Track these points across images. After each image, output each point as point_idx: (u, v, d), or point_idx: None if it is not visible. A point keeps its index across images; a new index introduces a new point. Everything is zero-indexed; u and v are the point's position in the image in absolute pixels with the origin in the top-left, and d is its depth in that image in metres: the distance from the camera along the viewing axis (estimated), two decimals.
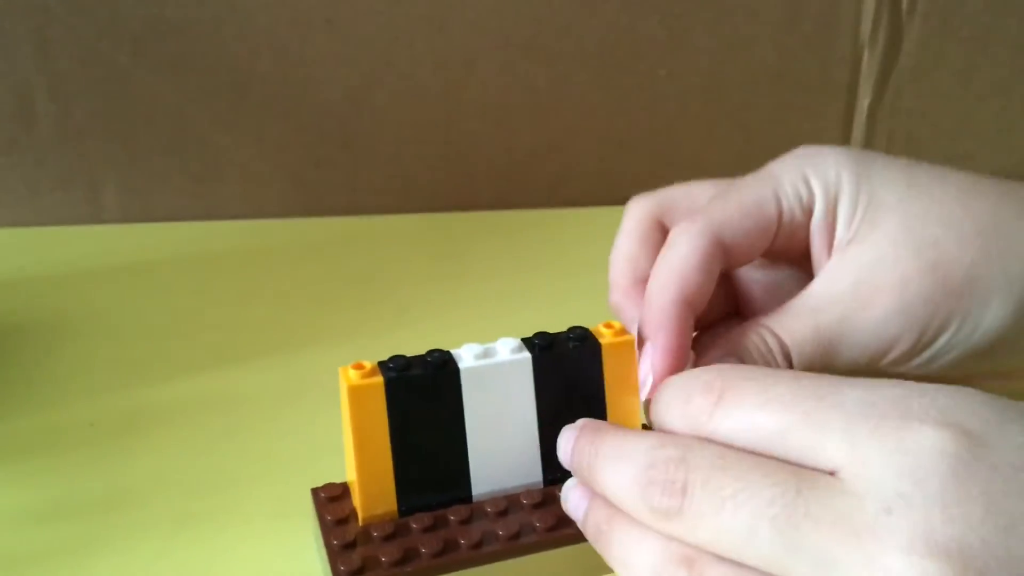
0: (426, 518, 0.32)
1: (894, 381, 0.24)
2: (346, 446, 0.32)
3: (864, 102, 0.61)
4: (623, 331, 0.33)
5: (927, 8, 0.59)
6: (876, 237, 0.33)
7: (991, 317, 0.33)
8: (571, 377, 0.32)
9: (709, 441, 0.25)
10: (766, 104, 0.62)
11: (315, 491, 0.34)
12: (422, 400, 0.31)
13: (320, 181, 0.61)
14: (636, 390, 0.32)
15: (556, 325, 0.34)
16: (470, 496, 0.33)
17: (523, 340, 0.32)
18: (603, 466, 0.27)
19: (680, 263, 0.33)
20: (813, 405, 0.24)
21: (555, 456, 0.30)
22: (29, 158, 0.59)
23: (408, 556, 0.31)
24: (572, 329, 0.33)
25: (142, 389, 0.45)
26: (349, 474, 0.33)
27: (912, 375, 0.34)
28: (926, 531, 0.21)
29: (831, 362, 0.33)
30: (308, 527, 0.35)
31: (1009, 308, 0.33)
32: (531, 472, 0.33)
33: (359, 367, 0.31)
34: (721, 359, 0.32)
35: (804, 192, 0.35)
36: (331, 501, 0.33)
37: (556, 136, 0.61)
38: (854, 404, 0.23)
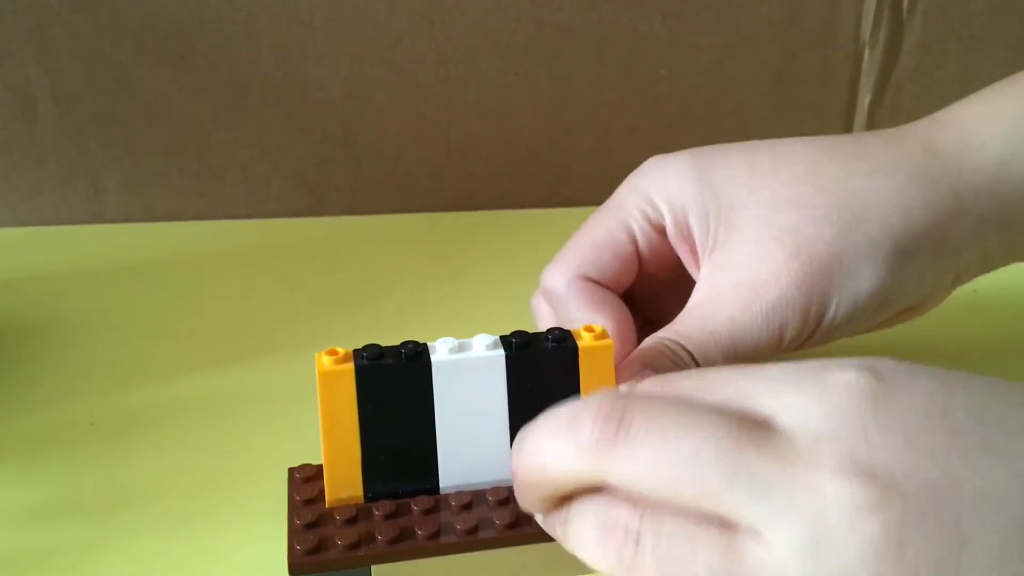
0: (388, 505, 0.32)
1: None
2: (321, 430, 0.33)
3: (864, 101, 0.61)
4: (603, 335, 0.32)
5: (928, 7, 0.59)
6: (736, 239, 0.35)
7: (867, 283, 0.34)
8: (546, 378, 0.32)
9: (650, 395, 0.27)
10: (767, 103, 0.61)
11: (291, 470, 0.35)
12: (392, 390, 0.32)
13: (320, 181, 0.61)
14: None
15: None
16: (437, 488, 0.33)
17: (501, 338, 0.32)
18: (537, 436, 0.27)
19: (557, 310, 0.36)
20: (742, 379, 0.25)
21: None
22: (30, 158, 0.59)
23: (363, 540, 0.31)
24: (552, 330, 0.33)
25: (142, 389, 0.45)
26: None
27: (820, 349, 0.36)
28: (853, 457, 0.22)
29: (735, 358, 0.34)
30: None
31: (881, 268, 0.34)
32: (501, 469, 0.32)
33: (333, 353, 0.32)
34: (641, 374, 0.33)
35: (652, 213, 0.36)
36: (304, 482, 0.34)
37: (557, 136, 0.61)
38: (778, 371, 0.25)
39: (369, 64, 0.58)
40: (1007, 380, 0.25)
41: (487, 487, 0.33)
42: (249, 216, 0.61)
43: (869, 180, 0.34)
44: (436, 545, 0.31)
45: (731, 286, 0.34)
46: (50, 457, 0.41)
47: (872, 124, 0.62)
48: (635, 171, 0.38)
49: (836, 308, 0.34)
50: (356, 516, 0.32)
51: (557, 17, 0.58)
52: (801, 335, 0.34)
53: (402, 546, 0.31)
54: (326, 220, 0.61)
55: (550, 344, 0.32)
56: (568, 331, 0.33)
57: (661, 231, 0.37)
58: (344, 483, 0.33)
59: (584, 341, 0.32)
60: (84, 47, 0.56)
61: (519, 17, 0.58)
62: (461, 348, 0.32)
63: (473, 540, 0.32)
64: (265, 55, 0.57)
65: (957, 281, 0.38)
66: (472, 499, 0.33)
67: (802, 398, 0.24)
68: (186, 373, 0.46)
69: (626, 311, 0.37)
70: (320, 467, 0.34)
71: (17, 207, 0.60)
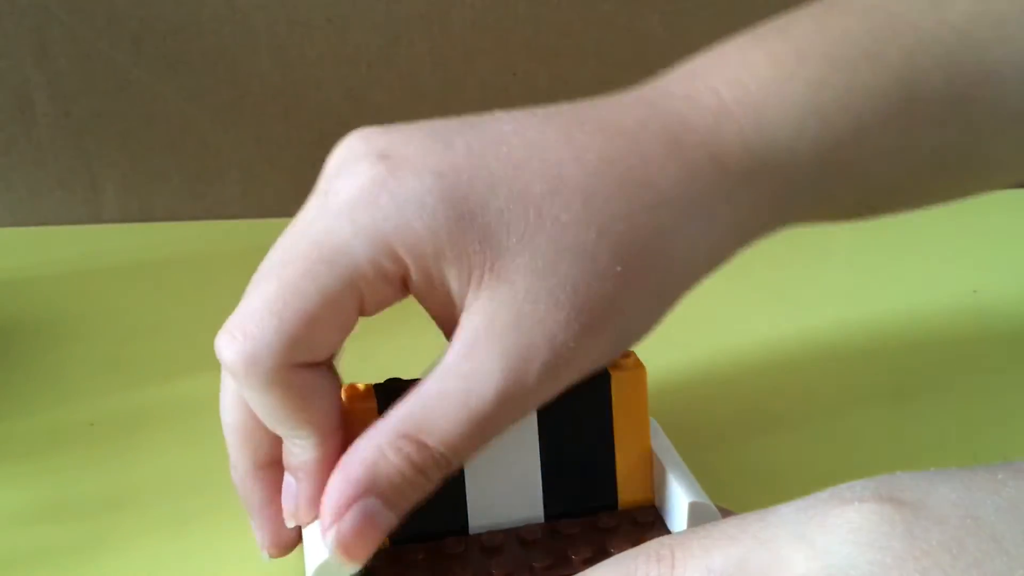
0: (419, 550, 0.30)
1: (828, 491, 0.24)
2: None
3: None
4: (638, 363, 0.31)
5: None
6: (505, 293, 0.28)
7: (651, 322, 0.30)
8: (577, 408, 0.31)
9: None
10: None
11: None
12: None
13: None
14: (646, 424, 0.32)
15: None
16: (466, 528, 0.31)
17: None
18: None
19: (239, 425, 0.30)
20: (758, 527, 0.24)
21: (557, 490, 0.30)
22: (29, 158, 0.59)
23: None
24: None
25: (142, 389, 0.45)
26: None
27: None
28: None
29: (491, 435, 0.28)
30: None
31: (665, 306, 0.30)
32: (532, 506, 0.31)
33: (352, 390, 0.30)
34: (362, 498, 0.27)
35: (390, 266, 0.28)
36: None
37: None
38: (793, 512, 0.23)
39: (367, 64, 0.58)
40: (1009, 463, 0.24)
41: (518, 525, 0.31)
42: (248, 216, 0.61)
43: (653, 216, 0.29)
44: None
45: (500, 353, 0.27)
46: (50, 457, 0.41)
47: None
48: (354, 199, 0.28)
49: (614, 349, 0.30)
50: (384, 562, 0.30)
51: (555, 17, 0.58)
52: (563, 384, 0.29)
53: None
54: None
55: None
56: None
57: (400, 284, 0.28)
58: None
59: (618, 369, 0.31)
60: (82, 48, 0.56)
61: (517, 17, 0.58)
62: None
63: None
64: (263, 55, 0.57)
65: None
66: (504, 540, 0.31)
67: (833, 539, 0.22)
68: (186, 373, 0.46)
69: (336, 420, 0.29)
70: None
71: (16, 207, 0.60)
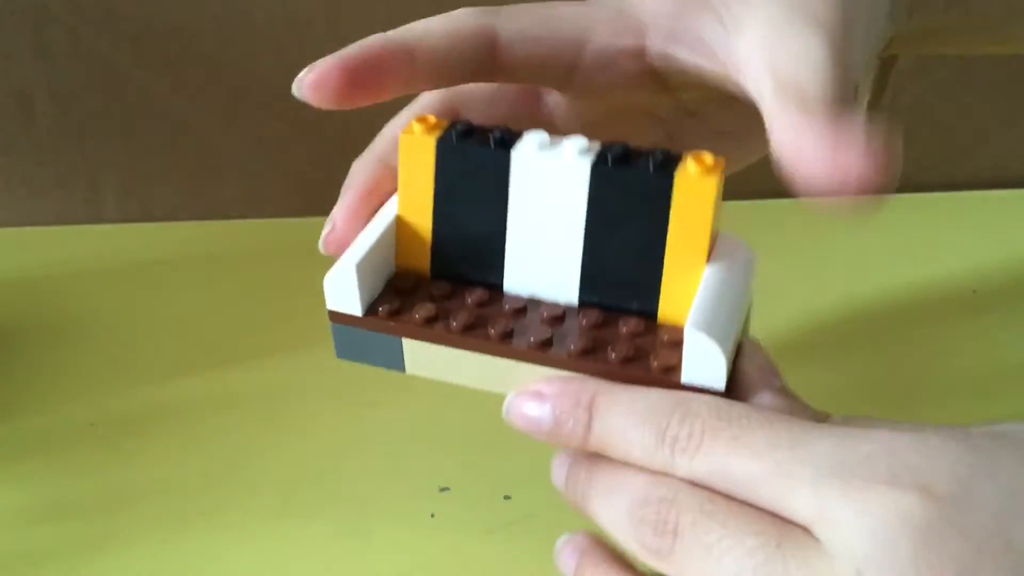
0: (444, 287, 0.30)
1: (866, 432, 0.24)
2: None
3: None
4: (715, 167, 0.27)
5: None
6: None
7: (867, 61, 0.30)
8: (632, 205, 0.28)
9: (694, 484, 0.25)
10: None
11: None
12: (471, 172, 0.29)
13: (320, 181, 0.61)
14: (705, 239, 0.28)
15: None
16: (501, 286, 0.30)
17: (601, 145, 0.28)
18: (597, 498, 0.27)
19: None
20: (784, 455, 0.23)
21: (597, 278, 0.29)
22: (28, 158, 0.59)
23: (403, 311, 0.30)
24: (661, 152, 0.28)
25: (142, 389, 0.45)
26: None
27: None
28: None
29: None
30: (309, 528, 0.35)
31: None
32: (567, 287, 0.30)
33: (423, 120, 0.30)
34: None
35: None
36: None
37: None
38: (824, 459, 0.23)
39: None
40: None
41: (549, 302, 0.30)
42: (247, 216, 0.61)
43: None
44: (468, 340, 0.29)
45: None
46: (50, 457, 0.41)
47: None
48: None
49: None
50: (412, 287, 0.30)
51: None
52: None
53: (432, 331, 0.29)
54: (325, 220, 0.61)
55: (649, 166, 0.27)
56: (678, 155, 0.28)
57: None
58: (413, 252, 0.31)
59: (686, 173, 0.27)
60: (82, 48, 0.56)
61: None
62: (550, 145, 0.29)
63: (506, 347, 0.29)
64: (263, 55, 0.57)
65: None
66: (527, 306, 0.30)
67: (846, 512, 0.22)
68: (186, 373, 0.46)
69: None
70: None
71: (15, 207, 0.60)
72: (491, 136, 0.29)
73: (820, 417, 0.26)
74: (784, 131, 0.26)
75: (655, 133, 0.34)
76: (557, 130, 0.32)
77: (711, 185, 0.27)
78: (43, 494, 0.39)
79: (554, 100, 0.33)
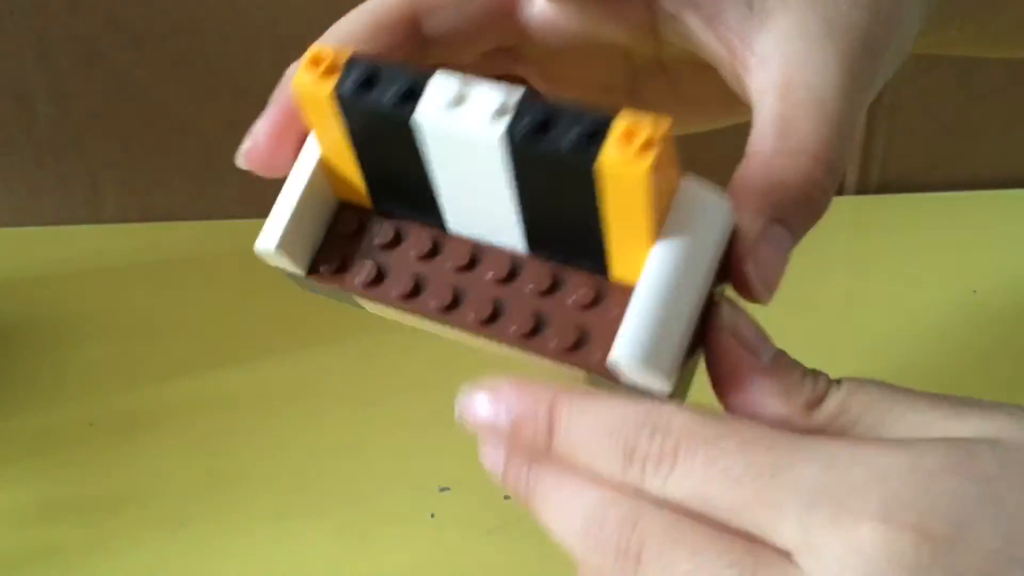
0: (389, 231, 0.28)
1: (854, 454, 0.22)
2: None
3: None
4: (650, 143, 0.21)
5: None
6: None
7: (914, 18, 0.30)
8: (556, 180, 0.24)
9: (662, 504, 0.23)
10: None
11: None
12: (376, 128, 0.26)
13: None
14: (645, 220, 0.23)
15: None
16: (444, 228, 0.27)
17: (520, 103, 0.23)
18: (544, 503, 0.24)
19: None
20: (766, 483, 0.22)
21: (541, 236, 0.26)
22: (29, 158, 0.59)
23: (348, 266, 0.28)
24: (589, 113, 0.22)
25: (142, 389, 0.45)
26: None
27: None
28: None
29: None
30: (309, 528, 0.35)
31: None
32: (513, 235, 0.26)
33: (316, 61, 0.26)
34: (767, 228, 0.27)
35: None
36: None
37: None
38: (809, 486, 0.21)
39: None
40: None
41: (496, 247, 0.27)
42: (248, 216, 0.61)
43: None
44: (409, 307, 0.27)
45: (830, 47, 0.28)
46: (50, 457, 0.41)
47: (871, 124, 0.62)
48: None
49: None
50: (355, 231, 0.28)
51: None
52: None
53: (374, 293, 0.27)
54: None
55: (570, 140, 0.22)
56: (609, 118, 0.22)
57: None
58: (350, 188, 0.28)
59: (611, 156, 0.22)
60: (83, 48, 0.56)
61: None
62: (460, 101, 0.24)
63: (447, 318, 0.26)
64: (263, 55, 0.57)
65: None
66: (473, 258, 0.27)
67: (831, 545, 0.21)
68: (186, 373, 0.46)
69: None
70: None
71: (16, 208, 0.60)
72: (392, 87, 0.24)
73: (816, 393, 0.24)
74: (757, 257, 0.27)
75: (617, 74, 0.32)
76: (529, 39, 0.30)
77: (641, 171, 0.22)
78: (43, 494, 0.39)
79: (538, 9, 0.30)
